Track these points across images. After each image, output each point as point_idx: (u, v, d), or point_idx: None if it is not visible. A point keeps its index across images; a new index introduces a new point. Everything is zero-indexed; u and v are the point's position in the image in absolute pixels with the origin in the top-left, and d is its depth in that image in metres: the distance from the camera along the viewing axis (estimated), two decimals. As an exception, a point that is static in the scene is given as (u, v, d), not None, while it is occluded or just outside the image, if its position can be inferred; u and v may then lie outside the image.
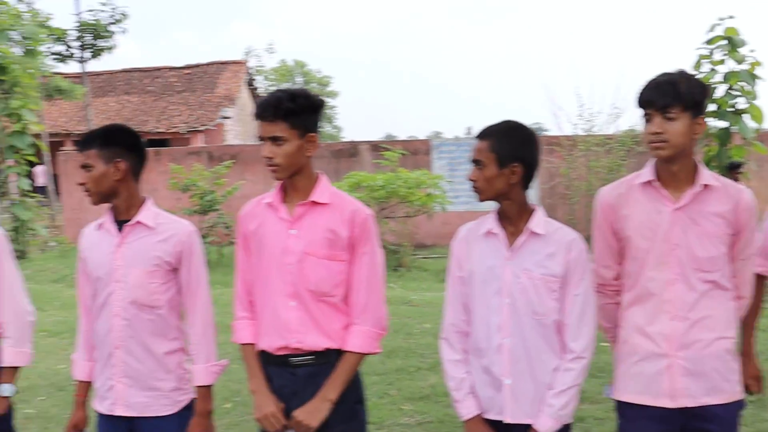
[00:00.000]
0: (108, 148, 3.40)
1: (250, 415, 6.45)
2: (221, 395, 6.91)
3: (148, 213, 3.47)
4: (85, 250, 3.59)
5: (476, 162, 3.16)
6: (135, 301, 3.42)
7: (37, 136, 16.37)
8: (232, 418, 6.50)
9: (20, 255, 15.75)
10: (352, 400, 3.31)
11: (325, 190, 3.30)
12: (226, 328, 3.63)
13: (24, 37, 16.65)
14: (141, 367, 3.45)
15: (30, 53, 16.77)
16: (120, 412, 3.47)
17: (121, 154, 3.41)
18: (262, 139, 3.21)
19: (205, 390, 3.48)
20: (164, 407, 3.47)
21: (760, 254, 3.71)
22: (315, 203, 3.26)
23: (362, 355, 3.28)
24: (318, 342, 3.25)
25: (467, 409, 3.23)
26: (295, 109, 3.16)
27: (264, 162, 3.24)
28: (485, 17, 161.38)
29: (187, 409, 3.51)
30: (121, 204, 3.47)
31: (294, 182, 3.28)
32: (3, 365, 3.88)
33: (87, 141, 3.45)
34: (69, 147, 30.09)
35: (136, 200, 3.49)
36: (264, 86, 50.85)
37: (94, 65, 28.57)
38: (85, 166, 3.42)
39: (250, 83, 38.07)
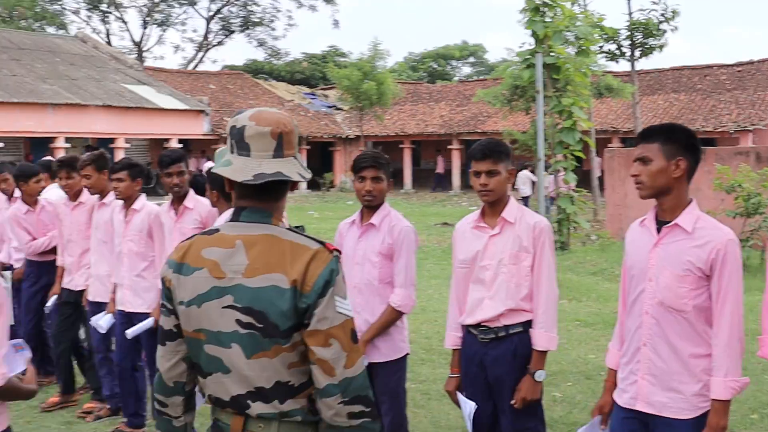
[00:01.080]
0: (670, 144, 3.41)
1: (778, 428, 6.15)
2: (748, 405, 6.65)
3: (689, 216, 3.42)
4: (628, 244, 3.68)
5: None
6: (662, 302, 3.42)
7: (585, 132, 16.90)
8: (758, 430, 6.23)
9: (562, 246, 16.47)
10: None
11: None
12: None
13: (577, 38, 17.29)
14: (664, 367, 3.44)
15: (582, 53, 17.39)
16: (640, 407, 3.51)
17: (682, 153, 3.40)
18: None
19: (720, 404, 3.33)
20: (683, 411, 3.41)
21: None
22: None
23: None
24: None
25: None
26: None
27: None
28: None
29: (706, 417, 3.39)
30: (666, 203, 3.46)
31: None
32: (536, 349, 4.21)
33: (649, 134, 3.48)
34: (616, 144, 30.76)
35: (682, 201, 3.45)
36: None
37: (644, 64, 28.65)
38: (642, 159, 3.45)
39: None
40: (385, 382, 4.75)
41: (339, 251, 2.49)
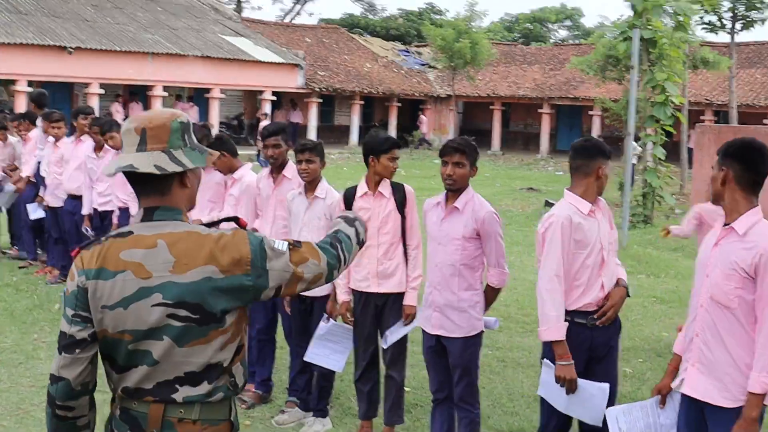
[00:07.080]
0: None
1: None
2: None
3: (747, 219, 3.61)
4: (700, 244, 3.94)
5: None
6: (712, 297, 3.66)
7: (677, 108, 16.80)
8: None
9: (645, 220, 16.53)
10: None
11: None
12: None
13: (675, 12, 17.12)
14: (712, 358, 3.68)
15: (679, 27, 17.22)
16: (686, 391, 3.79)
17: (729, 164, 3.66)
18: None
19: (754, 397, 3.54)
20: (725, 400, 3.63)
21: None
22: None
23: None
24: None
25: None
26: None
27: None
28: None
29: None
30: (725, 207, 3.71)
31: None
32: None
33: None
34: (708, 116, 30.31)
35: (739, 207, 3.65)
36: None
37: (744, 36, 27.98)
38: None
39: None
40: (460, 355, 5.07)
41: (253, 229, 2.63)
